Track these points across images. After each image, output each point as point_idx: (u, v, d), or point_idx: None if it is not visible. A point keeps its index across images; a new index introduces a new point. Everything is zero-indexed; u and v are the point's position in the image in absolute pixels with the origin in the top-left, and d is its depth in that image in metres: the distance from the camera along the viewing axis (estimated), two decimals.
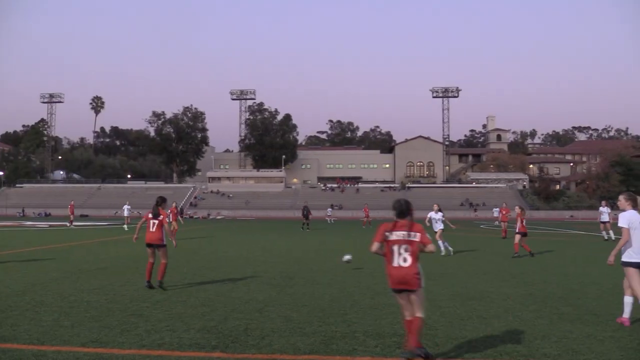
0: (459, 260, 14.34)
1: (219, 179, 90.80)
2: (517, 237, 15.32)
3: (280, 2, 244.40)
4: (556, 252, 16.82)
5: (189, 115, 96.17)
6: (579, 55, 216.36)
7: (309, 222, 31.88)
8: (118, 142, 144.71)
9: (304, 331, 6.13)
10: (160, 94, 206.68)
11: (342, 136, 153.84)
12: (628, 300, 6.58)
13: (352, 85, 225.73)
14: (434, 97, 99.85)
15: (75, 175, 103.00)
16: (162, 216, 9.07)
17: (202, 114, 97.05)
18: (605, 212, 22.61)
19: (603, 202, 23.91)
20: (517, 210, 16.37)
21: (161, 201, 9.19)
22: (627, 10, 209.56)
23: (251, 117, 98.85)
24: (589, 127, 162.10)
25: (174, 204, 23.18)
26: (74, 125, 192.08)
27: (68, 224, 35.58)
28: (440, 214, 15.84)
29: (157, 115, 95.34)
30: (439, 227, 15.75)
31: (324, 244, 20.41)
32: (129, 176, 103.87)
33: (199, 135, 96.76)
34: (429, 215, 16.10)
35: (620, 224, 6.54)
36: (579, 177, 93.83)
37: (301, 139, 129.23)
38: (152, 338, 5.79)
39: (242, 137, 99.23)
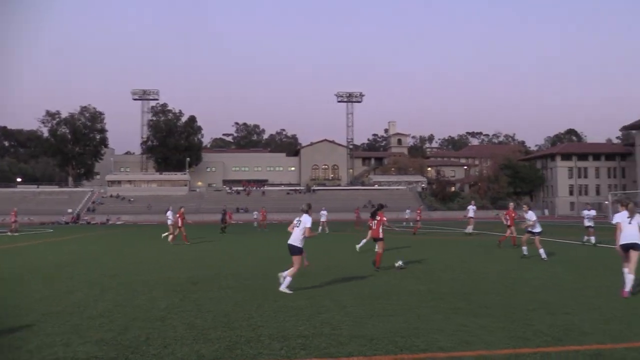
0: (363, 260, 14.72)
1: (119, 182, 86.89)
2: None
3: (184, 1, 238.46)
4: (451, 250, 17.76)
5: (87, 115, 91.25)
6: (472, 65, 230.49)
7: (225, 226, 31.98)
8: (7, 143, 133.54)
9: (208, 337, 6.02)
10: (55, 92, 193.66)
11: (248, 139, 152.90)
12: (630, 276, 8.46)
13: (258, 88, 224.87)
14: (338, 101, 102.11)
15: None
16: (379, 217, 12.53)
17: (101, 114, 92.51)
18: (472, 210, 27.09)
19: (472, 202, 29.38)
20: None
21: (380, 207, 12.96)
22: (516, 23, 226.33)
23: (154, 118, 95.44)
24: (481, 133, 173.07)
25: (182, 209, 22.95)
26: None
27: (9, 233, 33.60)
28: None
29: (51, 115, 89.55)
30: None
31: (229, 248, 20.16)
32: (18, 180, 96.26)
33: (98, 137, 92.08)
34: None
35: (614, 221, 8.81)
36: (472, 179, 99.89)
37: (206, 141, 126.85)
38: (43, 354, 5.42)
39: (144, 139, 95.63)
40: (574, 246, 18.97)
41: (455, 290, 9.15)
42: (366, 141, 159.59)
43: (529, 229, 14.71)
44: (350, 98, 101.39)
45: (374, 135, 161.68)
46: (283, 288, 9.06)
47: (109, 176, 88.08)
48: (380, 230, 12.47)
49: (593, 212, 19.58)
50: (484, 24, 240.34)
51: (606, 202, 66.83)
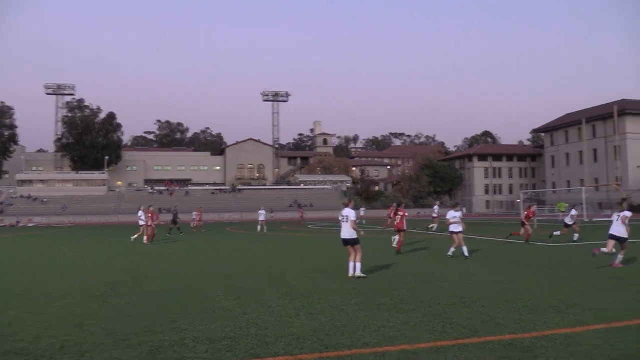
0: (289, 260, 14.76)
1: (31, 182, 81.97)
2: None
3: None
4: (378, 248, 18.15)
5: None
6: (395, 67, 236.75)
7: (179, 227, 30.86)
8: None
9: (129, 343, 5.81)
10: None
11: (171, 137, 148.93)
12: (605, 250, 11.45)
13: (182, 85, 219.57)
14: (264, 100, 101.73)
15: None
16: (401, 213, 16.06)
17: (10, 109, 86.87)
18: (436, 210, 30.38)
19: (437, 202, 32.72)
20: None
21: (400, 204, 16.78)
22: (434, 27, 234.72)
23: (69, 115, 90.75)
24: (403, 134, 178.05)
25: (152, 207, 22.73)
26: None
27: None
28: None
29: None
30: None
31: (151, 250, 19.55)
32: None
33: (6, 133, 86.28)
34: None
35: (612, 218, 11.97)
36: (395, 179, 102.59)
37: (126, 139, 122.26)
38: None
39: (59, 136, 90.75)
40: (491, 243, 19.94)
41: (379, 287, 9.36)
42: (292, 141, 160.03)
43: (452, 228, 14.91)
44: (276, 97, 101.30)
45: (300, 135, 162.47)
46: (359, 273, 10.48)
47: (20, 175, 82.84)
48: (404, 223, 15.93)
49: (575, 212, 20.63)
50: (404, 26, 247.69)
51: (518, 201, 70.76)
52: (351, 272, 10.63)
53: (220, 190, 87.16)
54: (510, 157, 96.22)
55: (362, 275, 10.55)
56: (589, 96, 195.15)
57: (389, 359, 5.08)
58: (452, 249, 14.52)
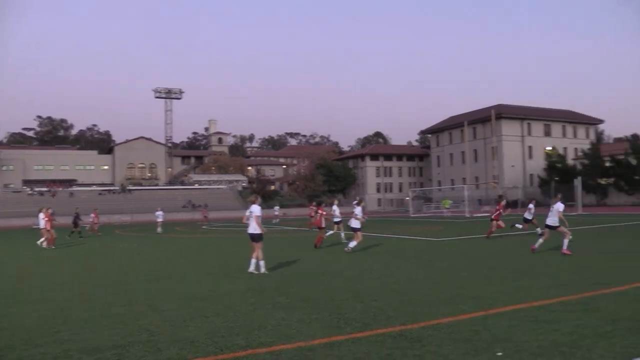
0: (183, 262, 14.38)
1: None
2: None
3: None
4: (281, 247, 18.19)
5: None
6: (289, 66, 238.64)
7: (80, 230, 28.48)
8: None
9: (4, 359, 5.35)
10: None
11: (53, 134, 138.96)
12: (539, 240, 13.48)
13: (65, 78, 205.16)
14: (156, 97, 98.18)
15: None
16: (320, 211, 17.70)
17: None
18: (337, 210, 26.93)
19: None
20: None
21: (320, 203, 19.84)
22: (331, 26, 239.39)
23: None
24: (299, 133, 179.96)
25: (50, 210, 21.60)
26: None
27: None
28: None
29: None
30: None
31: (37, 256, 18.14)
32: None
33: None
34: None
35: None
36: (291, 178, 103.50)
37: (1, 136, 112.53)
38: None
39: None
40: (390, 239, 20.73)
41: (275, 286, 9.39)
42: (186, 139, 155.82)
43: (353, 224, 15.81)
44: (169, 94, 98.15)
45: (194, 133, 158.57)
46: (263, 271, 10.83)
47: None
48: (322, 221, 17.40)
49: (532, 207, 21.03)
50: (299, 25, 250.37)
51: (407, 198, 74.23)
52: (251, 268, 10.95)
53: (109, 190, 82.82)
54: (400, 157, 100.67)
55: (265, 272, 10.83)
56: (472, 99, 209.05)
57: (284, 357, 5.13)
58: (350, 245, 15.45)
